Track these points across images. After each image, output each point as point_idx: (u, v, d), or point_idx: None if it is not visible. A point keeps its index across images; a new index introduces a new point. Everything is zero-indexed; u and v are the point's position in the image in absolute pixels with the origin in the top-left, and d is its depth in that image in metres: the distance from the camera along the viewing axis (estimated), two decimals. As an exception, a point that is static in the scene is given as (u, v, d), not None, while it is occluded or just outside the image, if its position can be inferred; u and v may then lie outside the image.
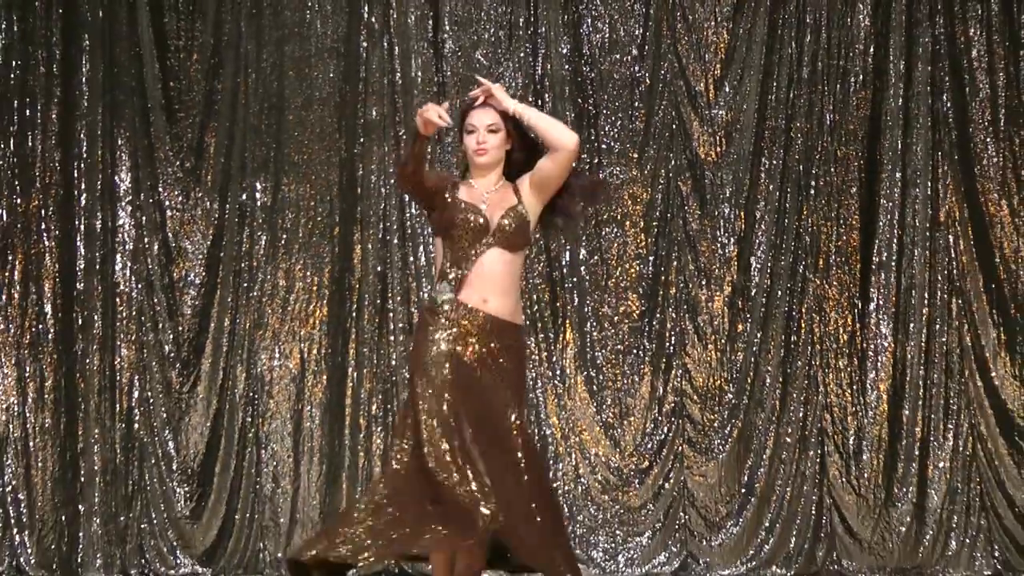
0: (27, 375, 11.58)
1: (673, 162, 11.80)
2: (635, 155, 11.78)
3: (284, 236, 11.76)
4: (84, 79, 11.72)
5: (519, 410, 6.72)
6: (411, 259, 11.68)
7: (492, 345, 6.59)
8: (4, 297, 11.61)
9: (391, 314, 11.67)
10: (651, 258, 11.75)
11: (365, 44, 11.77)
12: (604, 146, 11.77)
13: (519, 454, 6.65)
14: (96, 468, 11.53)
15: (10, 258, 11.63)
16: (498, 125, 6.74)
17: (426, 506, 6.55)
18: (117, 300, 11.70)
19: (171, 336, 11.75)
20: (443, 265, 6.76)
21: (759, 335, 11.70)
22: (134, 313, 11.69)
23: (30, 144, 11.70)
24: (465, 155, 7.00)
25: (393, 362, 11.61)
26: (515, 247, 6.69)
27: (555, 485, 11.19)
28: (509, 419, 6.67)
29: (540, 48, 11.79)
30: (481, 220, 6.63)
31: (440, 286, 6.67)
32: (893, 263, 11.71)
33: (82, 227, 11.70)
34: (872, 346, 11.70)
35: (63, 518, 11.52)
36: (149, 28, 11.74)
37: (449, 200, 6.69)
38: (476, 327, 6.58)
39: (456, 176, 7.05)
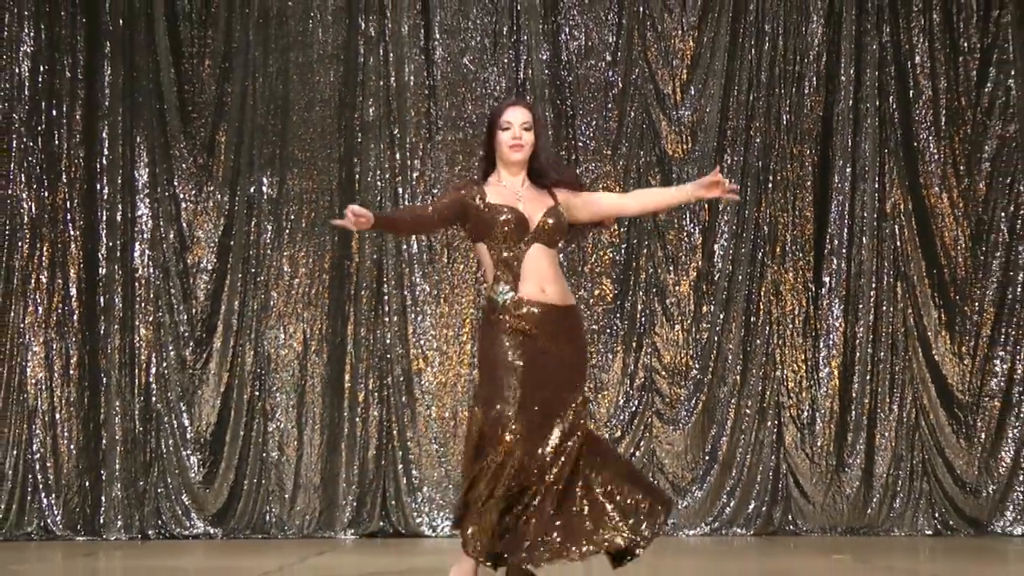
0: (54, 352, 11.89)
1: (643, 159, 12.16)
2: (608, 152, 12.14)
3: (288, 226, 12.08)
4: (106, 82, 12.05)
5: (582, 388, 6.61)
6: (404, 247, 12.01)
7: (558, 329, 6.46)
8: (33, 281, 11.92)
9: (386, 297, 12.00)
10: (623, 246, 12.09)
11: (363, 51, 12.14)
12: (580, 144, 12.11)
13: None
14: (117, 437, 11.85)
15: (39, 246, 11.94)
16: (530, 124, 6.56)
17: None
18: (136, 284, 12.02)
19: (185, 317, 12.02)
20: (494, 267, 6.56)
21: (722, 316, 12.07)
22: (151, 296, 12.00)
23: (56, 142, 12.02)
24: (492, 152, 6.71)
25: (388, 341, 11.94)
26: (553, 243, 6.55)
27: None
28: (576, 400, 6.53)
29: (522, 54, 12.15)
30: (521, 219, 6.47)
31: (498, 288, 6.47)
32: (844, 251, 12.09)
33: (104, 217, 12.02)
34: (824, 326, 12.07)
35: (87, 483, 11.85)
36: (165, 36, 12.07)
37: (482, 207, 6.50)
38: (541, 316, 6.43)
39: (475, 179, 6.75)
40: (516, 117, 6.56)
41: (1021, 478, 11.95)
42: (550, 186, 6.67)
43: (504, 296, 6.45)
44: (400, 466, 11.89)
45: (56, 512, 11.84)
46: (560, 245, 6.70)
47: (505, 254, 6.49)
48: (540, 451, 6.40)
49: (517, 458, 6.33)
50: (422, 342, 12.02)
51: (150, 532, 11.89)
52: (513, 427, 6.33)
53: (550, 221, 6.51)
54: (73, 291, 12.01)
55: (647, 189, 6.71)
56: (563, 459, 6.44)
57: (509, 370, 6.39)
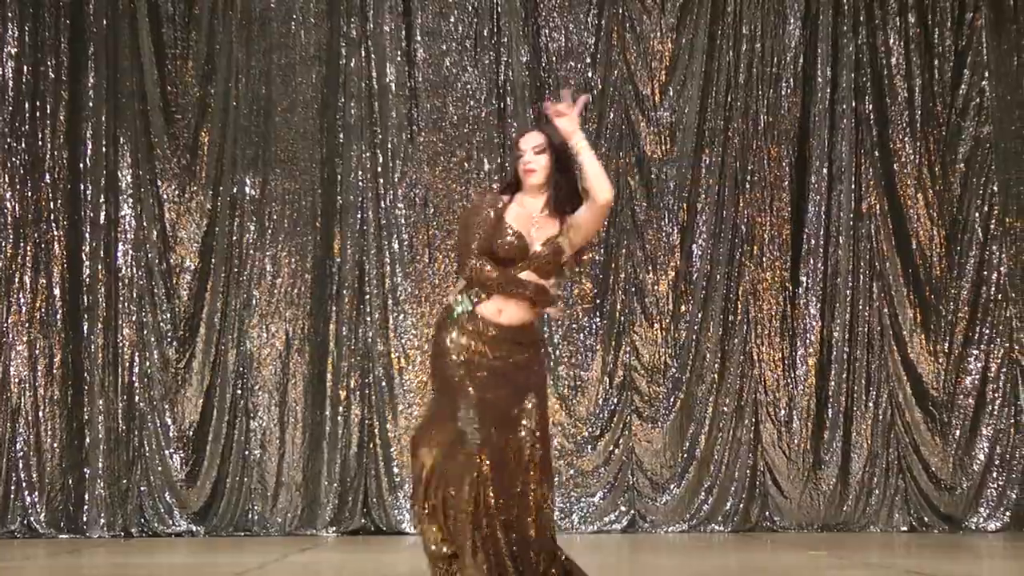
0: (37, 352, 11.91)
1: (623, 159, 12.25)
2: None
3: (271, 226, 12.13)
4: (90, 84, 12.08)
5: (537, 404, 6.42)
6: (385, 247, 12.09)
7: (511, 348, 6.35)
8: (17, 281, 11.93)
9: (367, 297, 12.06)
10: (602, 246, 12.14)
11: (344, 53, 12.19)
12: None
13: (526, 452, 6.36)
14: (100, 436, 11.87)
15: (22, 246, 11.96)
16: (543, 147, 6.36)
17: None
18: (119, 284, 12.04)
19: (168, 316, 12.05)
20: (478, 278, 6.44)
21: (700, 315, 12.15)
22: (135, 295, 12.02)
23: (40, 142, 12.04)
24: (516, 177, 6.53)
25: (369, 340, 12.00)
26: (545, 275, 6.38)
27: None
28: (520, 419, 6.35)
29: (503, 56, 12.22)
30: (523, 245, 6.31)
31: (460, 297, 6.40)
32: (821, 250, 12.19)
33: (88, 218, 12.04)
34: (801, 325, 12.17)
35: (70, 481, 11.86)
36: (149, 38, 12.11)
37: (497, 223, 6.36)
38: (492, 337, 6.33)
39: (502, 194, 6.54)
40: (527, 143, 6.43)
41: (995, 475, 12.06)
42: (566, 213, 6.46)
43: (462, 306, 6.38)
44: (381, 464, 11.96)
45: (39, 510, 11.85)
46: (553, 282, 6.46)
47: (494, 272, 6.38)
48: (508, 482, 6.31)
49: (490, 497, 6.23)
50: (403, 341, 12.09)
51: (133, 530, 11.91)
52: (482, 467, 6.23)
53: (544, 251, 6.33)
54: (57, 291, 12.03)
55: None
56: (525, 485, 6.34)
57: (464, 397, 6.30)
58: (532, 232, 6.38)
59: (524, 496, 6.33)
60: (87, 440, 11.94)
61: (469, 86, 12.24)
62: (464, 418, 6.27)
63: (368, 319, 12.09)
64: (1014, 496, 12.06)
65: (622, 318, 12.20)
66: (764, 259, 12.24)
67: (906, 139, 12.30)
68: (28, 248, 12.03)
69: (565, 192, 6.41)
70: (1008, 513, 12.04)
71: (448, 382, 6.37)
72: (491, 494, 6.23)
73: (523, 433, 6.37)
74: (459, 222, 6.87)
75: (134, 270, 12.11)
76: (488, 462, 6.24)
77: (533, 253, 6.34)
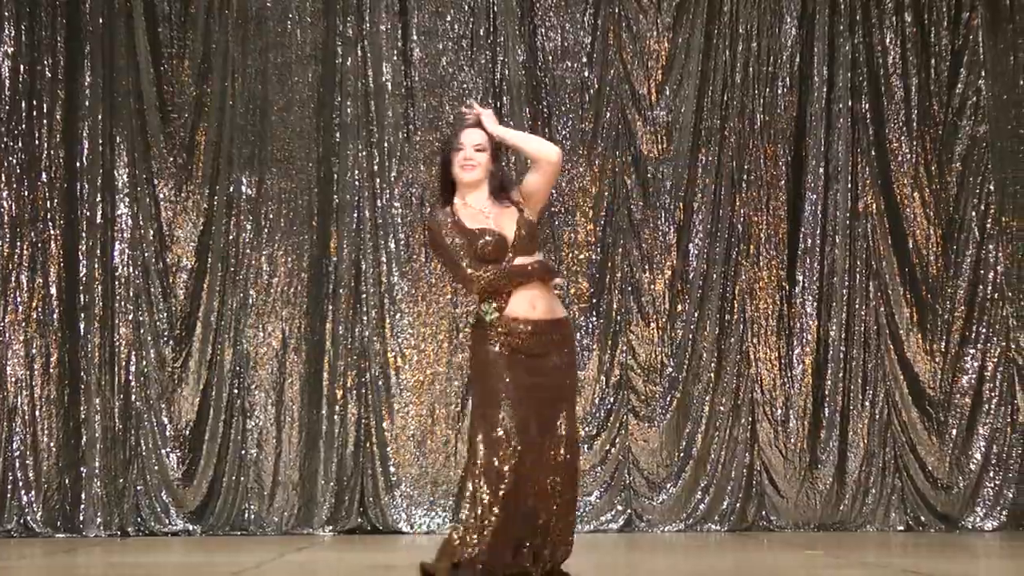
0: (34, 351, 11.90)
1: (619, 158, 12.25)
2: (584, 152, 12.22)
3: (267, 225, 12.13)
4: (86, 83, 12.08)
5: (571, 407, 6.61)
6: (382, 246, 12.09)
7: (548, 343, 6.48)
8: (13, 280, 11.93)
9: (364, 296, 12.06)
10: (598, 245, 12.18)
11: (341, 52, 12.20)
12: (556, 144, 12.08)
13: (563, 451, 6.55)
14: (97, 435, 11.87)
15: (19, 245, 11.95)
16: (484, 145, 6.58)
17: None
18: (116, 283, 12.03)
19: (165, 316, 12.05)
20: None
21: (696, 314, 12.15)
22: (131, 295, 12.02)
23: (36, 142, 12.04)
24: (448, 179, 6.72)
25: (365, 339, 12.00)
26: (532, 252, 6.53)
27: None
28: (560, 416, 6.55)
29: (499, 55, 12.22)
30: (500, 238, 6.45)
31: (484, 307, 6.47)
32: (817, 249, 12.19)
33: (84, 217, 12.04)
34: (798, 324, 12.17)
35: (67, 480, 11.86)
36: (145, 37, 12.12)
37: (464, 232, 6.48)
38: (528, 333, 6.43)
39: (442, 208, 6.68)
40: (468, 139, 6.64)
41: (991, 474, 12.07)
42: (507, 197, 6.69)
43: (490, 315, 6.47)
44: (378, 463, 11.96)
45: (36, 509, 11.86)
46: (539, 254, 6.67)
47: (489, 275, 6.49)
48: (541, 473, 6.47)
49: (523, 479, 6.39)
50: (400, 340, 12.09)
51: (129, 529, 11.91)
52: (515, 446, 6.37)
53: (522, 232, 6.53)
54: (53, 290, 12.03)
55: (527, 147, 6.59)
56: (560, 477, 6.53)
57: (502, 383, 6.43)
58: (492, 224, 6.54)
59: (552, 497, 6.50)
60: (84, 439, 11.94)
61: (465, 85, 12.22)
62: (506, 415, 6.36)
63: (365, 318, 12.10)
64: (1011, 495, 12.05)
65: (618, 317, 12.20)
66: (760, 258, 12.24)
67: (902, 138, 12.30)
68: (24, 247, 12.03)
69: (500, 180, 6.64)
70: (1005, 512, 12.04)
71: (488, 380, 6.46)
72: (525, 488, 6.37)
73: (560, 434, 6.51)
74: (433, 249, 6.90)
75: (130, 269, 12.11)
76: (525, 458, 6.36)
77: (514, 240, 6.51)
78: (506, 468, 6.35)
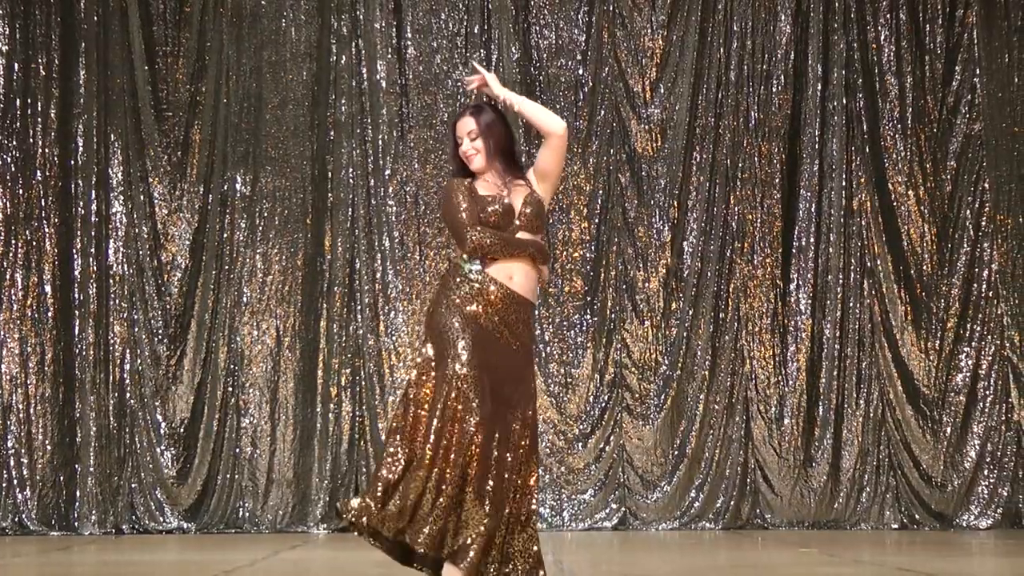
0: (29, 349, 11.93)
1: (613, 156, 12.27)
2: (579, 150, 12.22)
3: (262, 223, 12.15)
4: (81, 81, 12.10)
5: (530, 388, 6.59)
6: (376, 244, 12.11)
7: (510, 318, 6.43)
8: (8, 278, 11.95)
9: (358, 294, 12.08)
10: (593, 243, 12.21)
11: (335, 50, 12.23)
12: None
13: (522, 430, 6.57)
14: (91, 433, 11.89)
15: (14, 243, 11.97)
16: (476, 132, 6.48)
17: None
18: (110, 281, 12.06)
19: (159, 314, 12.07)
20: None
21: (691, 312, 12.17)
22: (126, 293, 12.05)
23: (31, 140, 12.05)
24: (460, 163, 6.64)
25: (359, 337, 12.01)
26: (537, 230, 6.51)
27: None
28: (519, 393, 6.54)
29: (493, 53, 12.23)
30: (508, 208, 6.43)
31: (467, 261, 6.43)
32: (811, 248, 12.21)
33: (79, 215, 12.05)
34: (792, 322, 12.18)
35: (61, 478, 11.88)
36: (139, 35, 12.14)
37: (476, 197, 6.46)
38: (498, 299, 6.40)
39: (463, 177, 6.64)
40: (462, 130, 6.58)
41: (985, 472, 12.08)
42: (522, 171, 6.66)
43: (471, 265, 6.43)
44: (372, 461, 11.93)
45: (31, 507, 11.87)
46: (543, 233, 6.65)
47: (487, 237, 6.45)
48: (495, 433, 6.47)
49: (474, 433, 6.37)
50: (394, 338, 12.10)
51: (124, 527, 11.94)
52: (473, 401, 6.36)
53: (528, 209, 6.50)
54: (48, 288, 12.05)
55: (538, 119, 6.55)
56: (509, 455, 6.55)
57: (460, 337, 6.41)
58: (506, 195, 6.50)
59: (510, 471, 6.58)
60: (78, 437, 11.96)
61: (460, 83, 12.18)
62: (456, 374, 6.33)
63: (359, 316, 12.11)
64: (1005, 493, 12.08)
65: (613, 315, 12.21)
66: (755, 256, 12.26)
67: (897, 136, 12.31)
68: (19, 245, 12.05)
69: (509, 160, 6.54)
70: (999, 510, 12.06)
71: (443, 335, 6.43)
72: (485, 455, 6.40)
73: (517, 413, 6.54)
74: (442, 209, 6.92)
75: (125, 267, 12.13)
76: (483, 429, 6.36)
77: (520, 213, 6.48)
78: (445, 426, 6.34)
